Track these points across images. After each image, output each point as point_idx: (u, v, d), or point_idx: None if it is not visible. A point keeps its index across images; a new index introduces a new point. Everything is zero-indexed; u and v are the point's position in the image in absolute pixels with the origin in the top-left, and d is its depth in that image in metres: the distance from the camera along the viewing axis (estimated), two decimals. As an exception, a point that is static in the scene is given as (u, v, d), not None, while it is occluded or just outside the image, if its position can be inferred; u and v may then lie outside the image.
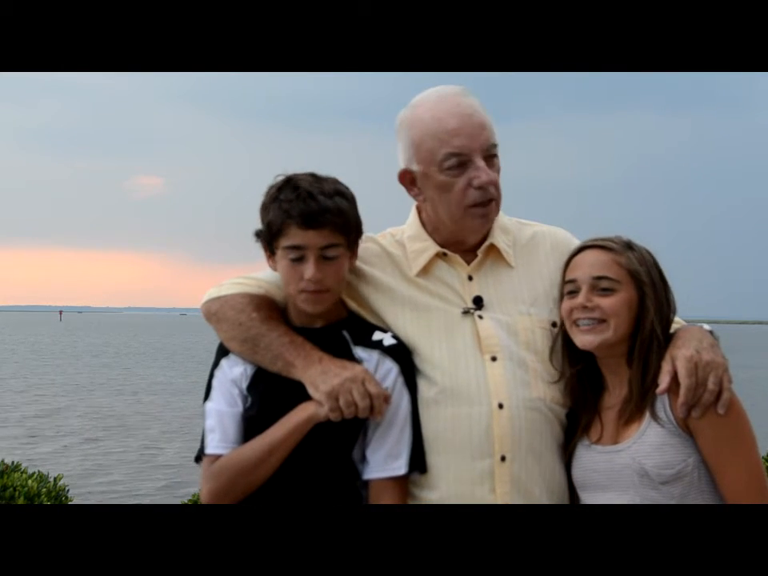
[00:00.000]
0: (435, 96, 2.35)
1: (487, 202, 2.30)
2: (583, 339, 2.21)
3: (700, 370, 2.09)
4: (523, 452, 2.24)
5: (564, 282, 2.28)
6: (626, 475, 2.16)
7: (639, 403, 2.17)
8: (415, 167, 2.35)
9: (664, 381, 2.12)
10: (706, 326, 2.27)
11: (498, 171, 2.32)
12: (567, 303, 2.25)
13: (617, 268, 2.20)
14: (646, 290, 2.20)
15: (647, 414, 2.16)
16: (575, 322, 2.23)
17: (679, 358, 2.12)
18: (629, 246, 2.23)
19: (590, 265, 2.22)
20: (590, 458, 2.24)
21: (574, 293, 2.24)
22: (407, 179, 2.39)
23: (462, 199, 2.29)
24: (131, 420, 18.26)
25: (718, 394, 2.09)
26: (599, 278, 2.20)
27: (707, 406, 2.08)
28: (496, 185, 2.31)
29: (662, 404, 2.15)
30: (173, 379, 28.20)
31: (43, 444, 15.01)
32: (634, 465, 2.14)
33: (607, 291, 2.19)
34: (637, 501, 2.14)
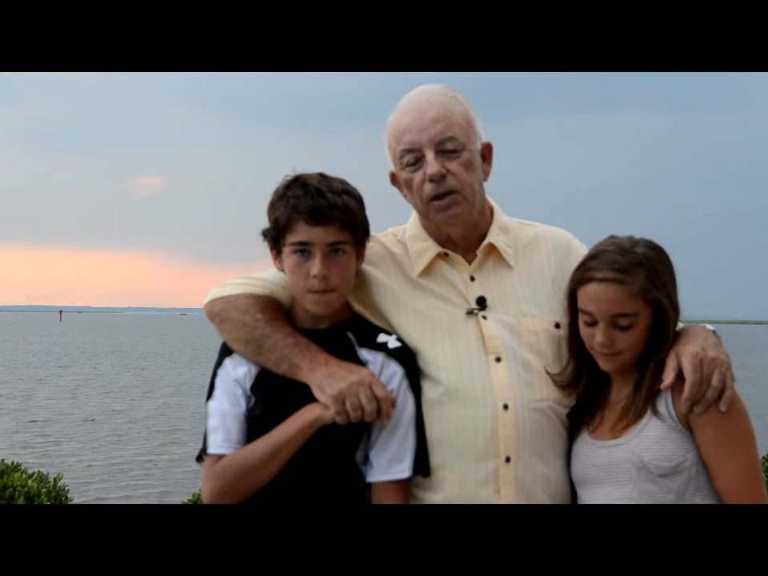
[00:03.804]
0: (405, 97, 2.39)
1: (444, 195, 2.29)
2: (605, 365, 2.24)
3: (705, 366, 2.10)
4: (527, 453, 2.24)
5: (575, 299, 2.24)
6: (624, 468, 2.17)
7: (644, 403, 2.19)
8: (393, 168, 2.40)
9: (669, 377, 2.13)
10: (709, 326, 2.28)
11: (464, 164, 2.29)
12: (586, 331, 2.23)
13: (631, 301, 2.16)
14: (665, 311, 2.18)
15: (648, 410, 2.17)
16: (594, 349, 2.23)
17: (684, 354, 2.13)
18: (639, 263, 2.17)
19: (606, 302, 2.17)
20: (589, 454, 2.25)
21: (591, 324, 2.21)
22: (395, 181, 2.43)
23: (421, 194, 2.31)
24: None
25: (721, 392, 2.10)
26: (616, 315, 2.17)
27: (710, 403, 2.09)
28: (456, 176, 2.28)
29: (665, 400, 2.16)
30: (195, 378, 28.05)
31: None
32: (633, 458, 2.16)
33: (625, 326, 2.18)
34: (635, 494, 2.15)
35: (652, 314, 2.19)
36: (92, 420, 18.38)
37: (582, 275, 2.23)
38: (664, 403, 2.16)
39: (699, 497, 2.14)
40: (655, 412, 2.16)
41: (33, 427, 17.21)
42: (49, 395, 23.29)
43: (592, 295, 2.20)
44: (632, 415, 2.20)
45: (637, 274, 2.16)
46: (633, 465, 2.16)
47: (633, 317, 2.17)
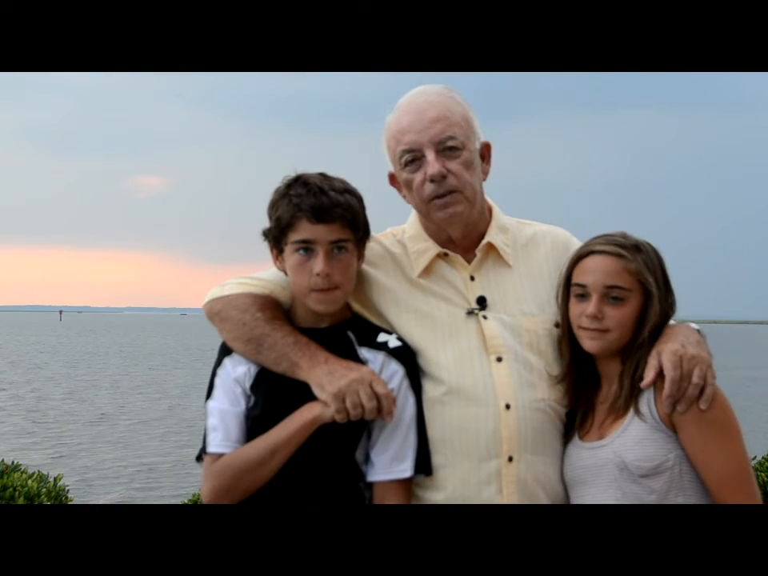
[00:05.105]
0: (404, 98, 2.39)
1: (445, 194, 2.29)
2: (590, 344, 2.24)
3: (685, 363, 2.11)
4: (529, 452, 2.24)
5: (570, 283, 2.28)
6: (608, 470, 2.19)
7: (627, 399, 2.20)
8: (392, 169, 2.40)
9: (649, 375, 2.14)
10: (694, 325, 2.29)
11: (464, 164, 2.30)
12: (576, 307, 2.25)
13: (627, 276, 2.21)
14: (652, 299, 2.22)
15: (631, 410, 2.19)
16: (581, 327, 2.24)
17: (665, 352, 2.14)
18: (637, 248, 2.23)
19: (603, 272, 2.22)
20: (576, 455, 2.27)
21: (582, 297, 2.24)
22: (394, 182, 2.43)
23: (422, 194, 2.31)
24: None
25: (702, 389, 2.10)
26: (611, 286, 2.21)
27: (691, 400, 2.10)
28: (457, 175, 2.28)
29: (647, 399, 2.17)
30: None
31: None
32: (616, 459, 2.17)
33: (617, 300, 2.21)
34: (618, 496, 2.16)
35: (642, 299, 2.22)
36: (101, 419, 18.39)
37: (581, 251, 2.28)
38: (646, 403, 2.17)
39: (683, 497, 2.14)
40: (637, 412, 2.17)
41: (42, 427, 17.19)
42: (57, 395, 23.30)
43: (590, 267, 2.24)
44: (615, 412, 2.21)
45: (635, 255, 2.22)
46: (615, 466, 2.17)
47: (626, 291, 2.21)
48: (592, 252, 2.25)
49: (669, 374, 2.10)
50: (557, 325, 2.35)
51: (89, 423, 17.99)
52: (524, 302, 2.37)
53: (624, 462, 2.15)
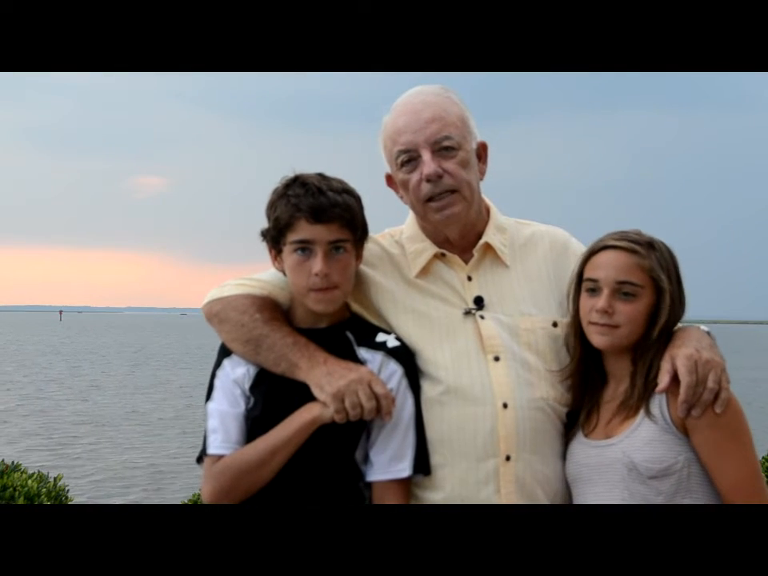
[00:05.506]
0: (400, 98, 2.39)
1: (441, 195, 2.29)
2: (599, 340, 2.23)
3: (700, 368, 2.10)
4: (527, 452, 2.24)
5: (582, 278, 2.28)
6: (615, 469, 2.18)
7: (639, 400, 2.19)
8: (389, 170, 2.40)
9: (664, 380, 2.13)
10: (704, 327, 2.28)
11: (461, 163, 2.29)
12: (587, 302, 2.25)
13: (640, 273, 2.20)
14: (664, 296, 2.21)
15: (641, 411, 2.18)
16: (591, 322, 2.24)
17: (679, 357, 2.13)
18: (651, 245, 2.23)
19: (615, 267, 2.21)
20: (582, 453, 2.26)
21: (593, 291, 2.24)
22: (391, 182, 2.43)
23: (418, 194, 2.31)
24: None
25: (717, 393, 2.09)
26: (622, 282, 2.20)
27: (707, 405, 2.09)
28: (453, 175, 2.28)
29: (658, 402, 2.16)
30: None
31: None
32: (624, 459, 2.16)
33: (628, 296, 2.20)
34: (625, 495, 2.16)
35: (654, 297, 2.21)
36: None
37: (594, 246, 2.28)
38: (657, 405, 2.16)
39: (690, 499, 2.13)
40: (648, 413, 2.16)
41: (48, 428, 17.17)
42: (61, 396, 23.29)
43: (603, 261, 2.23)
44: (625, 412, 2.21)
45: (649, 252, 2.22)
46: (624, 465, 2.16)
47: (637, 287, 2.20)
48: (605, 247, 2.25)
49: (684, 379, 2.09)
50: (555, 324, 2.35)
51: (93, 424, 18.00)
52: (521, 301, 2.37)
53: (633, 462, 2.14)
